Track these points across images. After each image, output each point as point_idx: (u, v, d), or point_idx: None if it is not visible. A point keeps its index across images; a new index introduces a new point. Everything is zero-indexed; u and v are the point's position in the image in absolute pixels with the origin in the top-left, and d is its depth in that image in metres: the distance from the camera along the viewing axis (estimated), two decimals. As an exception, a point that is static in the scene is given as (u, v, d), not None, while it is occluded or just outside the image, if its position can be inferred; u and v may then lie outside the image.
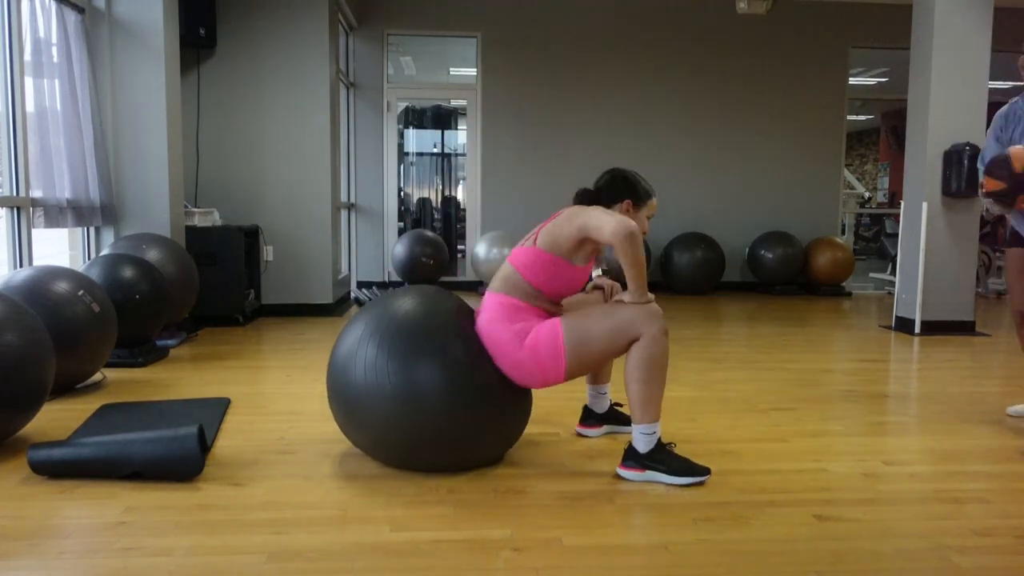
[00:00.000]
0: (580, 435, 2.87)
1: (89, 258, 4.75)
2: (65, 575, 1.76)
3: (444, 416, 2.27)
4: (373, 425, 2.32)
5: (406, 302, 2.43)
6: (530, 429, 2.94)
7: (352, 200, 7.80)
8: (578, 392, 3.51)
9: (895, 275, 6.07)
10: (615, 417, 2.89)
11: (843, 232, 8.60)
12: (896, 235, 7.53)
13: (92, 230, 4.81)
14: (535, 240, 2.41)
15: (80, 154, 4.44)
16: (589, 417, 2.88)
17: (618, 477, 2.42)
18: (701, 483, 2.37)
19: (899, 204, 5.83)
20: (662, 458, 2.38)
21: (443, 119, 9.90)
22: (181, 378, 3.77)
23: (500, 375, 2.38)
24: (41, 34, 4.14)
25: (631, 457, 2.40)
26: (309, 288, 6.02)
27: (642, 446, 2.38)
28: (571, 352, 2.32)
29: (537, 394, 3.46)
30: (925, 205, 5.41)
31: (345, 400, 2.36)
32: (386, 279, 7.97)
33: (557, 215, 2.43)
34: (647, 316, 2.31)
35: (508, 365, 2.37)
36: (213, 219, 5.50)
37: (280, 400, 3.36)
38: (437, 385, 2.26)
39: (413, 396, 2.25)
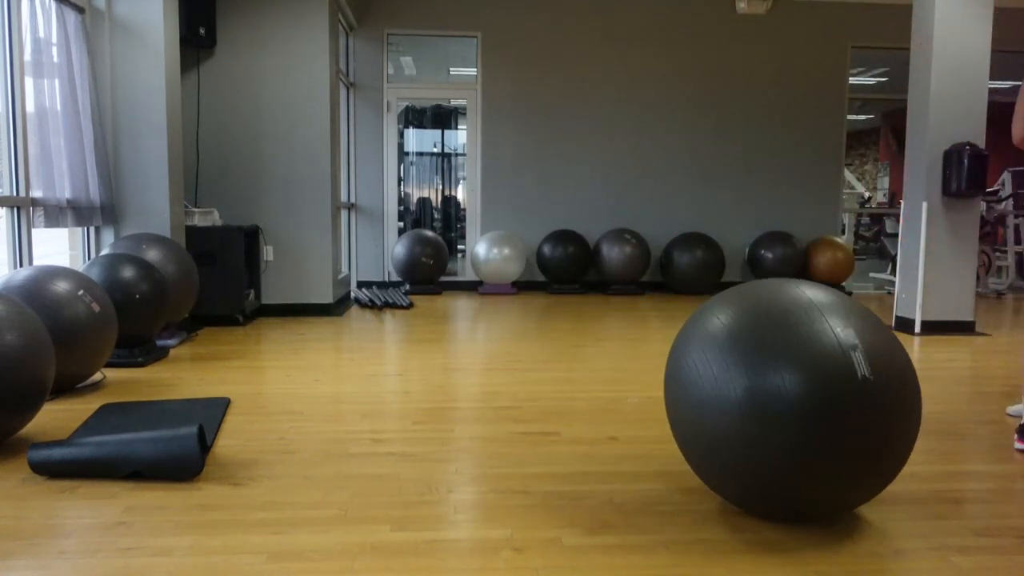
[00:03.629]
0: (1020, 451, 2.74)
1: (89, 258, 4.75)
2: (65, 575, 1.76)
3: (800, 436, 1.82)
4: (710, 441, 1.95)
5: (764, 293, 2.03)
6: (530, 429, 2.94)
7: (352, 200, 7.80)
8: (580, 393, 3.51)
9: (895, 275, 6.07)
10: None
11: (843, 232, 8.60)
12: (896, 235, 7.54)
13: (92, 230, 4.81)
14: None
15: (80, 154, 4.44)
16: None
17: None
18: None
19: (899, 204, 5.83)
20: None
21: (443, 119, 9.90)
22: (181, 378, 3.77)
23: (892, 383, 1.88)
24: (41, 34, 4.14)
25: None
26: (309, 288, 6.02)
27: None
28: None
29: (535, 394, 3.47)
30: (925, 205, 5.40)
31: (679, 408, 2.05)
32: (386, 279, 7.97)
33: None
34: None
35: None
36: (213, 219, 5.51)
37: (280, 400, 3.36)
38: (794, 397, 1.83)
39: (762, 408, 1.85)
